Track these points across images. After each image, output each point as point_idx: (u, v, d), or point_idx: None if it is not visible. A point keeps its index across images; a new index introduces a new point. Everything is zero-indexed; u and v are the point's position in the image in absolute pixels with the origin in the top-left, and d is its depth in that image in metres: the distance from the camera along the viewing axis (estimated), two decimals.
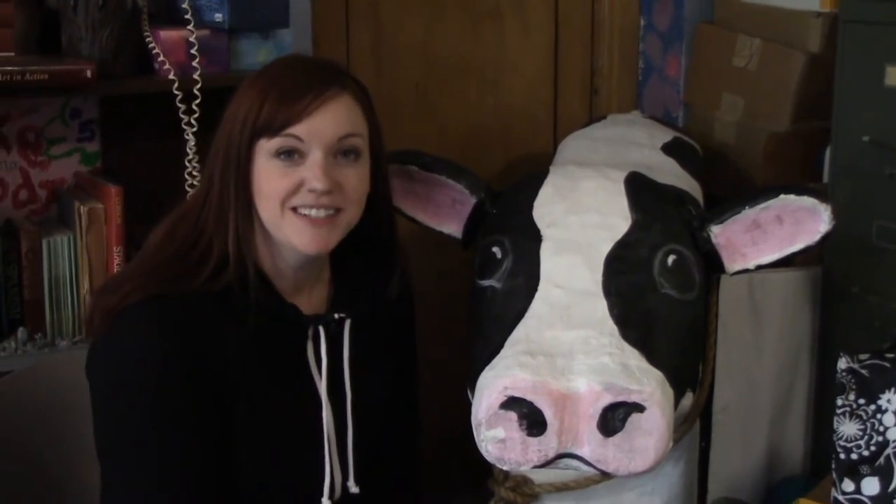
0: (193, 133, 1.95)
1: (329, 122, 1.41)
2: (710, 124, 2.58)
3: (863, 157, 2.10)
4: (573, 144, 2.30)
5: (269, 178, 1.41)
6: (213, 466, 1.41)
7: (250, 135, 1.40)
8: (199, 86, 1.94)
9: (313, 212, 1.41)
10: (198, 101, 1.94)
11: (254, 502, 1.45)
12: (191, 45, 1.97)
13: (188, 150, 1.97)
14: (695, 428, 1.77)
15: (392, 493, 1.66)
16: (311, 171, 1.40)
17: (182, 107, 1.94)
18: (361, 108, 1.46)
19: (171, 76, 1.94)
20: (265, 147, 1.40)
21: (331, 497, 1.51)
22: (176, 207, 1.50)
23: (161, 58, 1.96)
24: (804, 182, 2.28)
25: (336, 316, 1.52)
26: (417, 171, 1.70)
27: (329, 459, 1.50)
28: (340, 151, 1.42)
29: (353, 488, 1.54)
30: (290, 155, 1.40)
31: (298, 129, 1.39)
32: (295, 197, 1.40)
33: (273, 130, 1.39)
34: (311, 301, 1.52)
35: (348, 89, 1.44)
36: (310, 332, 1.50)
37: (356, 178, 1.45)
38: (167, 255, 1.44)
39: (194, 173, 1.96)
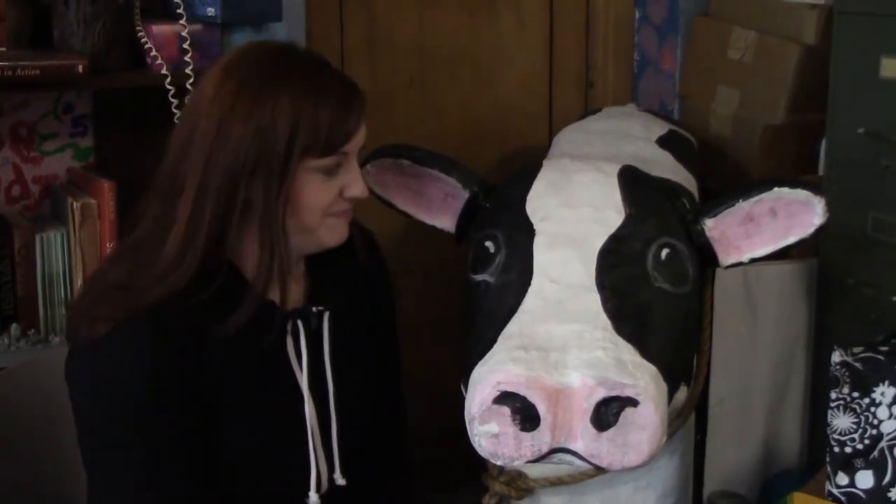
0: None
1: (363, 132, 1.45)
2: (705, 117, 2.58)
3: (858, 149, 2.10)
4: (568, 137, 2.30)
5: (315, 191, 1.41)
6: (199, 468, 1.41)
7: (302, 152, 1.38)
8: (191, 80, 1.94)
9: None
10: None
11: (242, 499, 1.45)
12: (183, 39, 1.96)
13: None
14: (690, 421, 1.77)
15: (380, 483, 1.66)
16: (353, 181, 1.44)
17: (175, 101, 1.94)
18: None
19: (164, 71, 1.94)
20: (313, 164, 1.40)
21: (317, 490, 1.51)
22: (149, 202, 1.46)
23: (153, 52, 1.95)
24: (799, 174, 2.27)
25: (314, 309, 1.52)
26: (409, 165, 1.69)
27: (314, 453, 1.50)
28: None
29: (340, 480, 1.54)
30: (335, 168, 1.42)
31: (349, 146, 1.42)
32: (334, 205, 1.44)
33: (332, 149, 1.40)
34: (289, 296, 1.52)
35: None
36: (289, 328, 1.49)
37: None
38: (146, 260, 1.40)
39: None
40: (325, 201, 1.42)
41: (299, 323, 1.49)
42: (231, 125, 1.36)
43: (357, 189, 1.44)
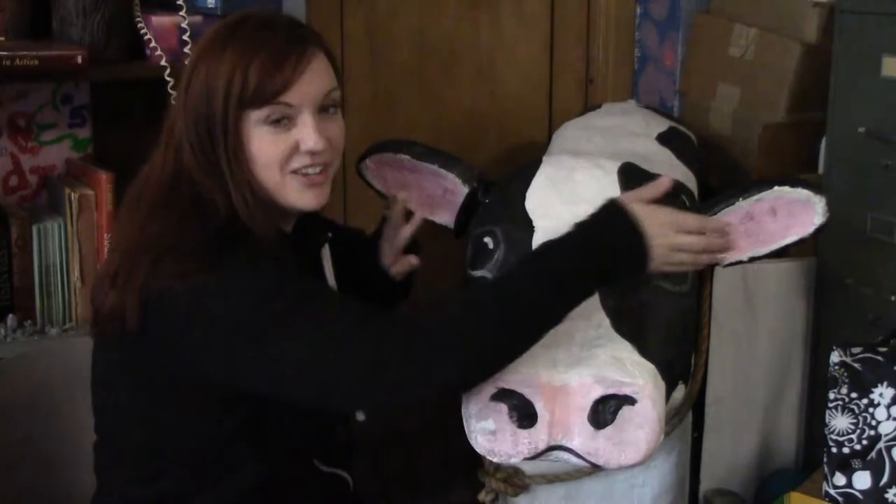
0: None
1: (314, 82, 1.42)
2: (705, 114, 2.57)
3: (858, 148, 2.10)
4: (568, 133, 2.30)
5: (263, 145, 1.40)
6: None
7: (237, 106, 1.38)
8: None
9: (310, 170, 1.43)
10: None
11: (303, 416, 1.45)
12: (183, 30, 1.96)
13: None
14: (686, 420, 1.77)
15: None
16: (306, 133, 1.41)
17: (174, 93, 1.93)
18: (330, 60, 1.47)
19: (163, 62, 1.93)
20: (253, 116, 1.39)
21: None
22: (142, 189, 1.46)
23: (153, 44, 1.95)
24: (799, 173, 2.27)
25: (329, 234, 1.59)
26: (409, 160, 1.69)
27: None
28: (323, 107, 1.44)
29: None
30: (280, 121, 1.40)
31: (289, 97, 1.40)
32: (292, 160, 1.42)
33: (263, 100, 1.39)
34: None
35: (319, 45, 1.45)
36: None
37: (338, 130, 1.47)
38: (199, 221, 1.39)
39: None
40: (275, 155, 1.41)
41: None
42: (189, 92, 1.41)
43: (310, 142, 1.41)
